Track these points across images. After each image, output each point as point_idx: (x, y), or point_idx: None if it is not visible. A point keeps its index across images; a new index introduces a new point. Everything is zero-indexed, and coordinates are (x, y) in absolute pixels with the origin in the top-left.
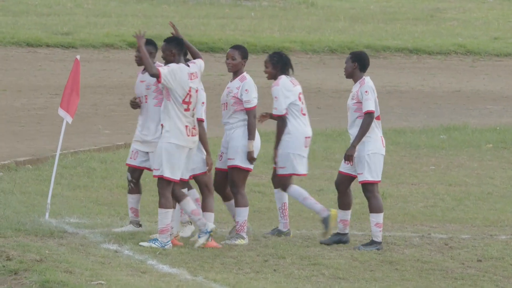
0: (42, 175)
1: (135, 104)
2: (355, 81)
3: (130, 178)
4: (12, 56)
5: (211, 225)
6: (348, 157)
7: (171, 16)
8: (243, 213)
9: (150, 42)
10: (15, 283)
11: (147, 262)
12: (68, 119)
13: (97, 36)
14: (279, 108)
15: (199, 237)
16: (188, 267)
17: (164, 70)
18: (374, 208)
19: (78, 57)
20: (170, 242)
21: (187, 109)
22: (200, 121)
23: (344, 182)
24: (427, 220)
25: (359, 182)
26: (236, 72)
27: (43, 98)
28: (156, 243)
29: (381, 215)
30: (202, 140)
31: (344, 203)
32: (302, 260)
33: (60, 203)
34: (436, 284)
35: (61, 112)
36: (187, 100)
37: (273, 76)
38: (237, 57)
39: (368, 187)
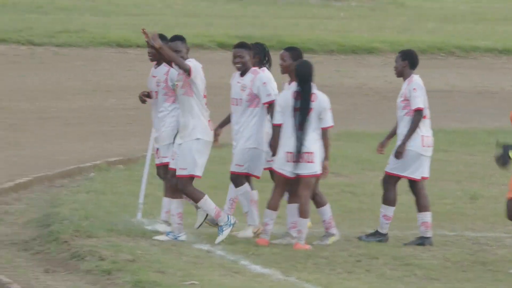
0: (134, 175)
1: (144, 99)
2: (404, 79)
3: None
4: (102, 57)
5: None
6: (398, 154)
7: (261, 17)
8: (325, 211)
9: (179, 38)
10: (108, 283)
11: (240, 262)
12: None
13: (187, 36)
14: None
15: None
16: (280, 268)
17: (191, 65)
18: (386, 200)
19: None
20: (230, 223)
21: (206, 103)
22: (325, 129)
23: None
24: None
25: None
26: (289, 74)
27: (132, 98)
28: (221, 232)
29: (391, 209)
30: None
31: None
32: (394, 260)
33: (152, 203)
34: None
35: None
36: (205, 93)
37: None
38: (288, 59)
39: (388, 179)
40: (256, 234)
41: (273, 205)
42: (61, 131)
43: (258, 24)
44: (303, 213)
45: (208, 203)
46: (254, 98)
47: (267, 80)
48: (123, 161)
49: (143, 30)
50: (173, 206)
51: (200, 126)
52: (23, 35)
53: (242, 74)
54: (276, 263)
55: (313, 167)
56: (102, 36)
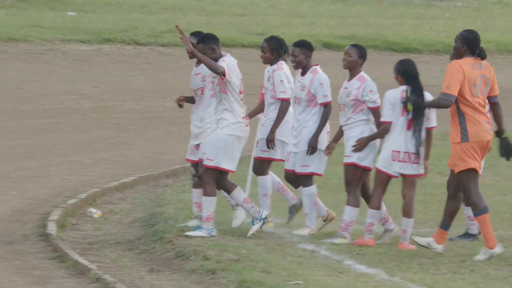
0: (238, 175)
1: (181, 104)
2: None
3: (193, 172)
4: None
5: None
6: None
7: (365, 17)
8: (352, 213)
9: (211, 37)
10: (212, 282)
11: (344, 262)
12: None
13: (291, 36)
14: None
15: (252, 224)
16: (385, 268)
17: (224, 66)
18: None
19: None
20: (215, 229)
21: (242, 99)
22: (430, 129)
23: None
24: None
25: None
26: (351, 70)
27: None
28: (202, 231)
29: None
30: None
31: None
32: (499, 261)
33: (256, 203)
34: None
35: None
36: (241, 89)
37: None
38: (354, 55)
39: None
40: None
41: (376, 205)
42: (166, 130)
43: (362, 24)
44: (407, 213)
45: (238, 196)
46: (312, 98)
47: (325, 81)
48: None
49: (176, 26)
50: (234, 197)
51: (233, 121)
52: (129, 35)
53: (303, 73)
54: (380, 263)
55: (418, 167)
56: None
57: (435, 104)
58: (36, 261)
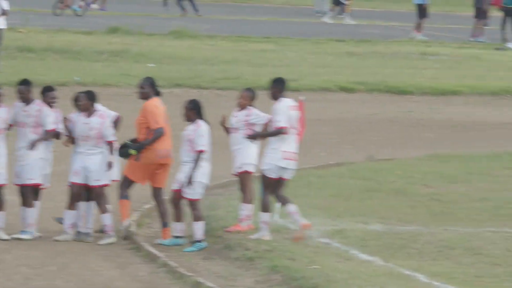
0: None
1: None
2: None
3: None
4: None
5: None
6: None
7: (373, 67)
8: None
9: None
10: (251, 267)
11: (350, 252)
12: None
13: (317, 82)
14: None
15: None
16: (381, 256)
17: None
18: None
19: (302, 98)
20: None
21: None
22: None
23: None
24: None
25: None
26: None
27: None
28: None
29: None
30: None
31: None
32: (467, 251)
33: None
34: None
35: None
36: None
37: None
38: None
39: None
40: None
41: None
42: (221, 153)
43: (371, 72)
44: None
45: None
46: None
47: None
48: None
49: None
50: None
51: None
52: (195, 81)
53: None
54: (378, 252)
55: None
56: (254, 82)
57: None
58: (119, 251)
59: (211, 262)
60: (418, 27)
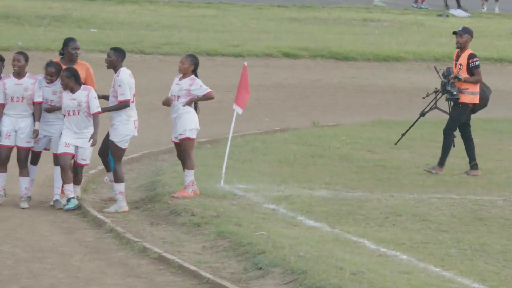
0: (218, 152)
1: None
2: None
3: None
4: None
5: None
6: None
7: (315, 33)
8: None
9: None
10: (198, 233)
11: (297, 218)
12: (239, 110)
13: (259, 47)
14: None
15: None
16: (328, 222)
17: None
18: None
19: (245, 63)
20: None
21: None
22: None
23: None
24: (510, 187)
25: None
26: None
27: (219, 94)
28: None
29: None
30: None
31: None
32: (414, 217)
33: (231, 173)
34: None
35: (235, 107)
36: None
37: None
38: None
39: None
40: None
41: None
42: (164, 119)
43: (312, 38)
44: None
45: None
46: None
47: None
48: (210, 141)
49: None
50: None
51: None
52: (137, 46)
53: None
54: (324, 218)
55: None
56: (195, 47)
57: None
58: (65, 216)
59: (157, 228)
60: None
